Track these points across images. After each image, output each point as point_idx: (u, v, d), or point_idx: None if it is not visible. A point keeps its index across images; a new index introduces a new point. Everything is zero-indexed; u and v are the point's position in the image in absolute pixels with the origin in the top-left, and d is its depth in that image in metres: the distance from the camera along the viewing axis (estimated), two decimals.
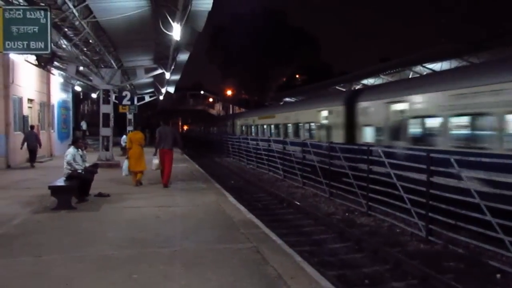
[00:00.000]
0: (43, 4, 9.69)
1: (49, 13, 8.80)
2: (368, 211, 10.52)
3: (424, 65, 15.98)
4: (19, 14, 8.72)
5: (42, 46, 8.80)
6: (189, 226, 7.47)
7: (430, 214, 8.18)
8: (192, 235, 6.79)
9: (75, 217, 8.26)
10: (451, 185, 8.00)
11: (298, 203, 12.42)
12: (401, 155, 10.76)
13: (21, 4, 9.47)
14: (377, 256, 7.74)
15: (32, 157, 17.32)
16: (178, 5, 9.37)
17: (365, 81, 20.78)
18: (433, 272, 6.48)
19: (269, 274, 5.01)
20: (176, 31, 10.74)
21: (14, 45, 8.80)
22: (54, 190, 8.99)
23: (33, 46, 8.80)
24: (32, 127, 18.47)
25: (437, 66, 15.81)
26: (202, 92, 76.68)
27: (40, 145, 17.88)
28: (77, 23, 11.60)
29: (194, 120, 72.03)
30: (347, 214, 10.99)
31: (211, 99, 78.78)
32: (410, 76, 17.01)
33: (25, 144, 16.90)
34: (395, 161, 9.89)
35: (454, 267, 6.96)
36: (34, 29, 8.72)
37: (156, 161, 12.17)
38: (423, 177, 8.35)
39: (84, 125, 33.65)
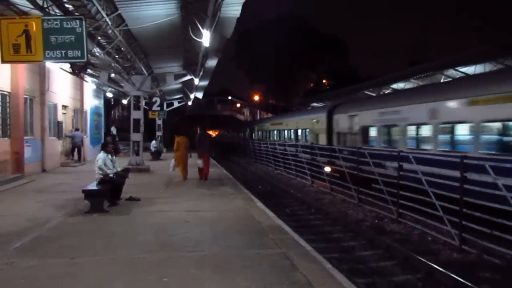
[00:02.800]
0: (77, 14, 10.03)
1: (84, 22, 9.10)
2: (398, 218, 10.33)
3: (457, 68, 15.56)
4: (56, 24, 9.06)
5: (79, 55, 9.12)
6: (218, 231, 7.52)
7: (463, 222, 7.96)
8: (221, 240, 6.83)
9: (107, 220, 8.45)
10: (486, 192, 7.75)
11: (326, 209, 12.33)
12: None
13: (58, 14, 9.82)
14: (408, 264, 7.58)
15: (78, 154, 20.54)
16: (208, 12, 9.50)
17: (394, 86, 20.39)
18: (468, 283, 6.29)
19: (298, 281, 4.98)
20: (205, 38, 10.88)
21: (53, 54, 9.17)
22: (88, 194, 9.22)
23: (70, 54, 9.13)
24: (77, 129, 21.25)
25: (470, 69, 15.39)
26: (229, 97, 77.14)
27: (82, 144, 20.84)
28: (110, 31, 11.92)
29: (222, 125, 71.84)
30: (376, 221, 10.83)
31: (238, 105, 79.20)
32: (441, 80, 16.59)
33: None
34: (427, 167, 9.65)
35: (490, 277, 6.74)
36: (71, 38, 9.05)
37: (199, 161, 14.81)
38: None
39: (114, 130, 34.33)
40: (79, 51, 9.13)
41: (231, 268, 5.42)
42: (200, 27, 10.43)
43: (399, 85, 20.11)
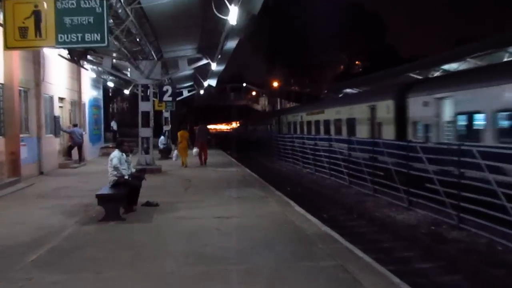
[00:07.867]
0: None
1: (105, 1, 9.15)
2: (459, 224, 10.26)
3: None
4: (72, 4, 9.15)
5: (98, 38, 9.20)
6: (257, 239, 7.61)
7: None
8: (263, 251, 6.91)
9: (126, 229, 8.59)
10: None
11: (372, 214, 12.31)
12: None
13: None
14: (478, 278, 7.56)
15: (79, 153, 21.02)
16: None
17: (446, 66, 20.00)
18: None
19: None
20: (232, 14, 10.87)
21: (67, 38, 9.27)
22: (102, 199, 9.32)
23: (88, 38, 9.22)
24: (75, 125, 21.52)
25: None
26: (244, 84, 76.87)
27: (83, 142, 21.25)
28: (120, 11, 12.03)
29: (237, 117, 71.24)
30: (432, 227, 10.79)
31: (254, 93, 79.03)
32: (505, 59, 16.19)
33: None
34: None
35: None
36: (89, 20, 9.14)
37: (196, 149, 21.95)
38: None
39: (114, 125, 34.41)
40: (99, 34, 9.20)
41: (285, 283, 5.49)
42: (227, 2, 10.45)
43: (452, 66, 19.72)
